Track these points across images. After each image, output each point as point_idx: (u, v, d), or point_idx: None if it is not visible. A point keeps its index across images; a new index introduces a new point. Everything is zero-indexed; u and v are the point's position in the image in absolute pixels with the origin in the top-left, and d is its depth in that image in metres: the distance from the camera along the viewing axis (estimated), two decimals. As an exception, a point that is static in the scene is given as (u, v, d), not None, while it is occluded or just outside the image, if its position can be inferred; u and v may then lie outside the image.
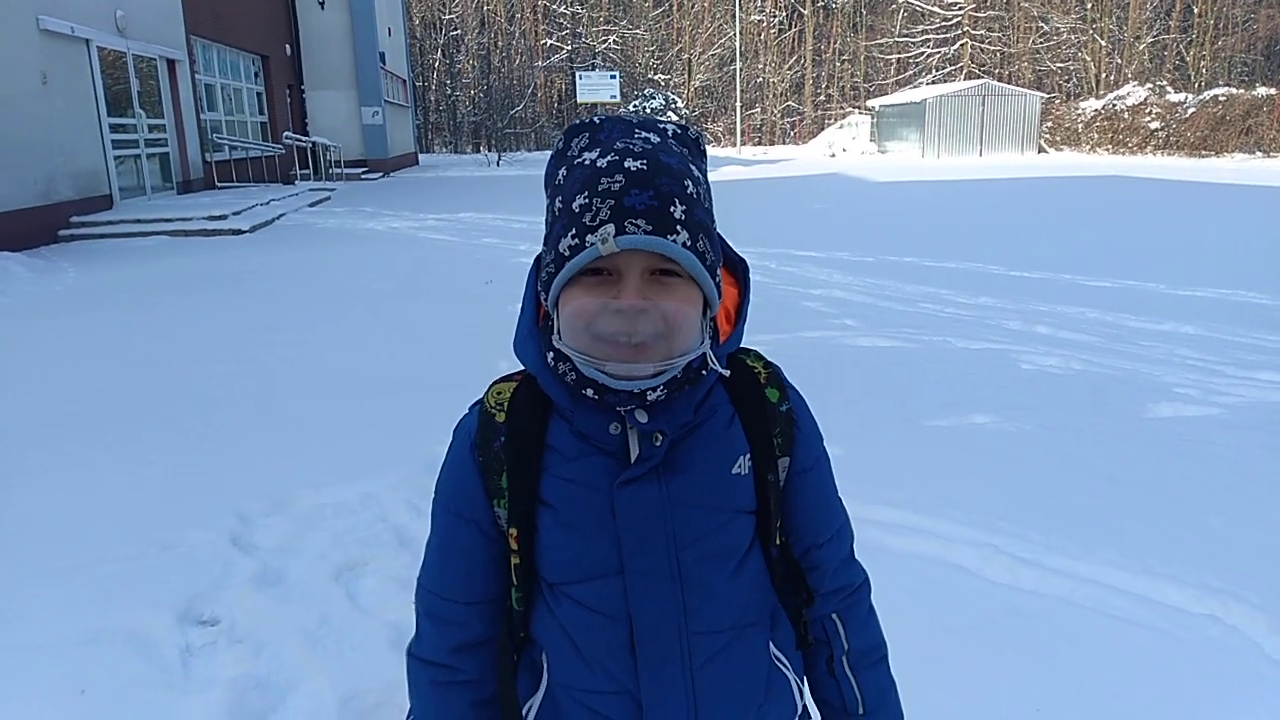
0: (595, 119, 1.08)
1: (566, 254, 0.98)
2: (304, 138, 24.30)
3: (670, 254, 0.96)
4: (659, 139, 1.05)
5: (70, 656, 2.70)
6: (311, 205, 17.86)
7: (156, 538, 3.45)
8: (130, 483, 4.02)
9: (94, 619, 2.89)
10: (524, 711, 1.16)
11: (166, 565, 3.25)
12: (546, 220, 1.07)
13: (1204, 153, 31.37)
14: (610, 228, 0.95)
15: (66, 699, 2.52)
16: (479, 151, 49.38)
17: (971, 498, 3.71)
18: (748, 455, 1.10)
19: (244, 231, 13.47)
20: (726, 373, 1.08)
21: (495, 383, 1.15)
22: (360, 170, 27.10)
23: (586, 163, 1.01)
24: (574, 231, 0.97)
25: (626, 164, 0.98)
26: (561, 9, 55.41)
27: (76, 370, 5.93)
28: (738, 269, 1.14)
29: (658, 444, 1.04)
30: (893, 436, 4.46)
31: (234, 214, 14.07)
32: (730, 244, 1.13)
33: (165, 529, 3.52)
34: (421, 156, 41.40)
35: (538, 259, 1.08)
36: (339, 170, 25.20)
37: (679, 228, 0.97)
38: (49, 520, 3.64)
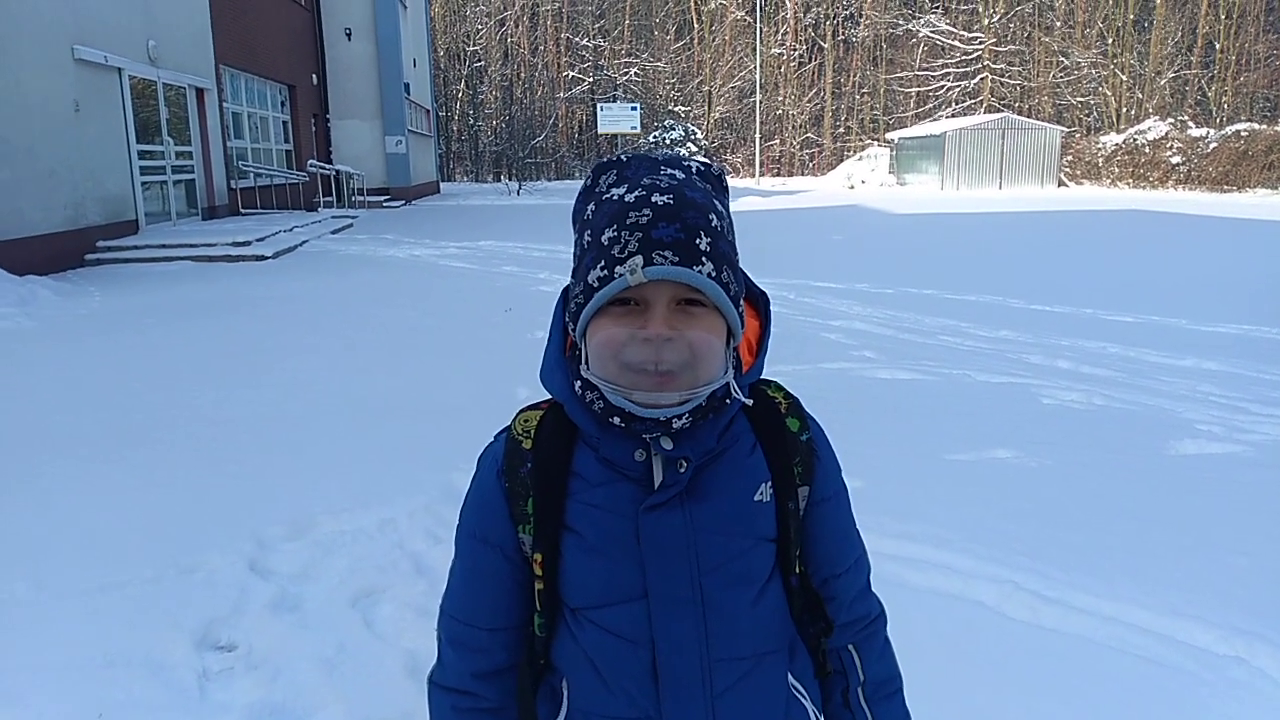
0: (623, 157, 1.12)
1: (595, 285, 1.01)
2: (328, 165, 24.61)
3: (696, 284, 1.00)
4: (684, 175, 1.09)
5: (88, 679, 2.71)
6: (334, 232, 18.04)
7: (176, 561, 3.46)
8: (151, 505, 4.05)
9: (113, 641, 2.90)
10: None
11: (185, 589, 3.27)
12: (575, 254, 1.10)
13: (1226, 188, 31.23)
14: (639, 259, 0.98)
15: (84, 722, 2.53)
16: (500, 180, 49.80)
17: (992, 533, 3.68)
18: (769, 483, 1.13)
19: (267, 258, 13.62)
20: (749, 402, 1.10)
21: (522, 411, 1.17)
22: (383, 198, 27.40)
23: (615, 198, 1.05)
24: (603, 263, 1.01)
25: (654, 199, 1.02)
26: (584, 41, 56.07)
27: (100, 392, 5.99)
28: (759, 302, 1.17)
29: (682, 470, 1.07)
30: (912, 470, 4.43)
31: (257, 240, 14.23)
32: (750, 276, 1.15)
33: (185, 552, 3.53)
34: (443, 185, 41.82)
35: (565, 291, 1.11)
36: (362, 198, 25.48)
37: (704, 259, 1.00)
38: (70, 541, 3.67)
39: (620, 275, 0.99)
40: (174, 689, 2.69)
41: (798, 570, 1.17)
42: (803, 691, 1.17)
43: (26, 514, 3.97)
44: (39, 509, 4.03)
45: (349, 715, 2.55)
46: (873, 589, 1.27)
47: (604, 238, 1.02)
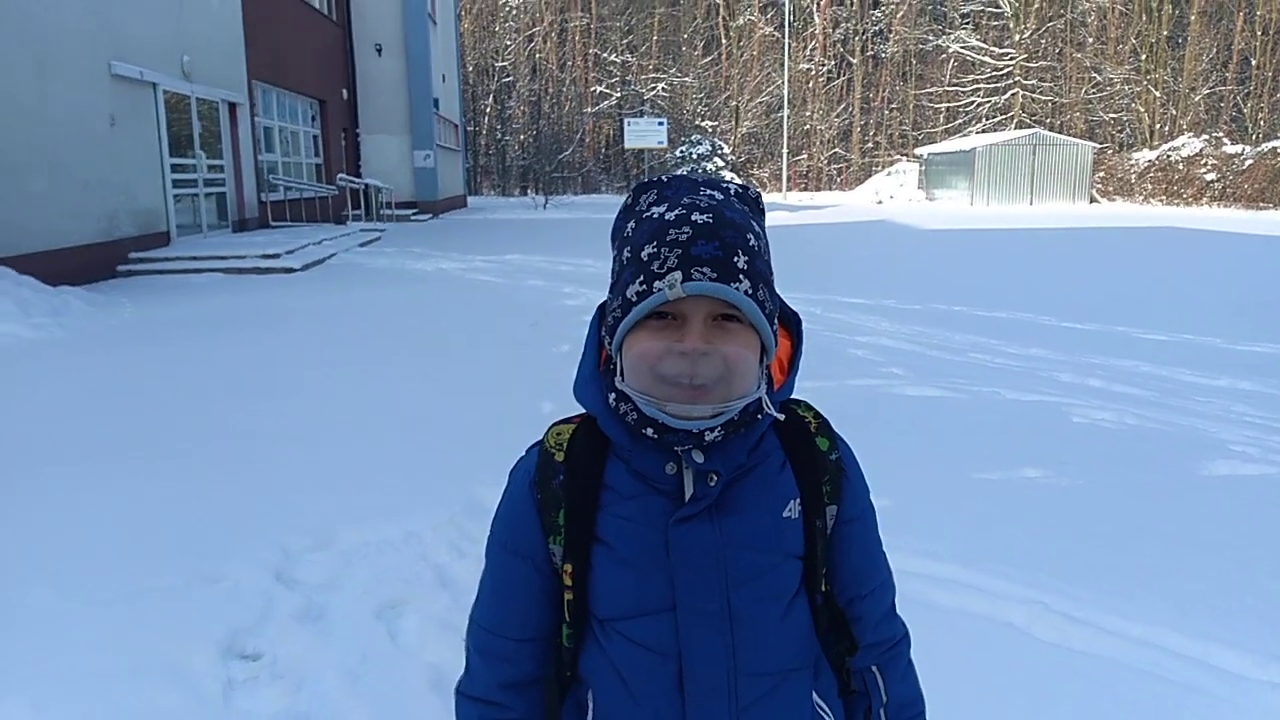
0: (663, 178, 1.15)
1: (634, 299, 1.04)
2: (357, 179, 24.86)
3: (733, 300, 1.02)
4: (723, 196, 1.12)
5: (114, 688, 2.73)
6: (362, 245, 18.21)
7: (201, 570, 3.49)
8: (177, 514, 4.08)
9: (137, 650, 2.92)
10: None
11: (210, 598, 3.28)
12: (613, 269, 1.13)
13: (1262, 205, 30.82)
14: (678, 274, 1.01)
15: (109, 730, 2.54)
16: (526, 194, 50.12)
17: (1021, 553, 3.63)
18: (798, 500, 1.14)
19: (296, 270, 13.76)
20: (781, 417, 1.12)
21: (554, 424, 1.20)
22: (410, 211, 27.63)
23: (655, 216, 1.08)
24: (642, 278, 1.03)
25: (694, 217, 1.05)
26: (612, 57, 56.38)
27: (129, 402, 6.07)
28: (791, 322, 1.19)
29: (712, 484, 1.09)
30: (941, 489, 4.38)
31: (286, 253, 14.38)
32: (783, 296, 1.16)
33: (210, 561, 3.56)
34: (470, 199, 42.13)
35: (601, 307, 1.14)
36: (390, 211, 25.72)
37: (741, 276, 1.02)
38: (96, 549, 3.70)
39: (659, 289, 1.01)
40: (198, 698, 2.70)
41: (824, 589, 1.18)
42: (826, 710, 1.18)
43: (52, 522, 4.02)
44: (66, 517, 4.07)
45: (371, 727, 2.55)
46: (898, 612, 1.28)
47: (644, 253, 1.04)
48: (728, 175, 41.64)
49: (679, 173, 1.21)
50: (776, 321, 1.11)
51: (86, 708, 2.64)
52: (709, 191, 1.11)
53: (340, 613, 3.20)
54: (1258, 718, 2.59)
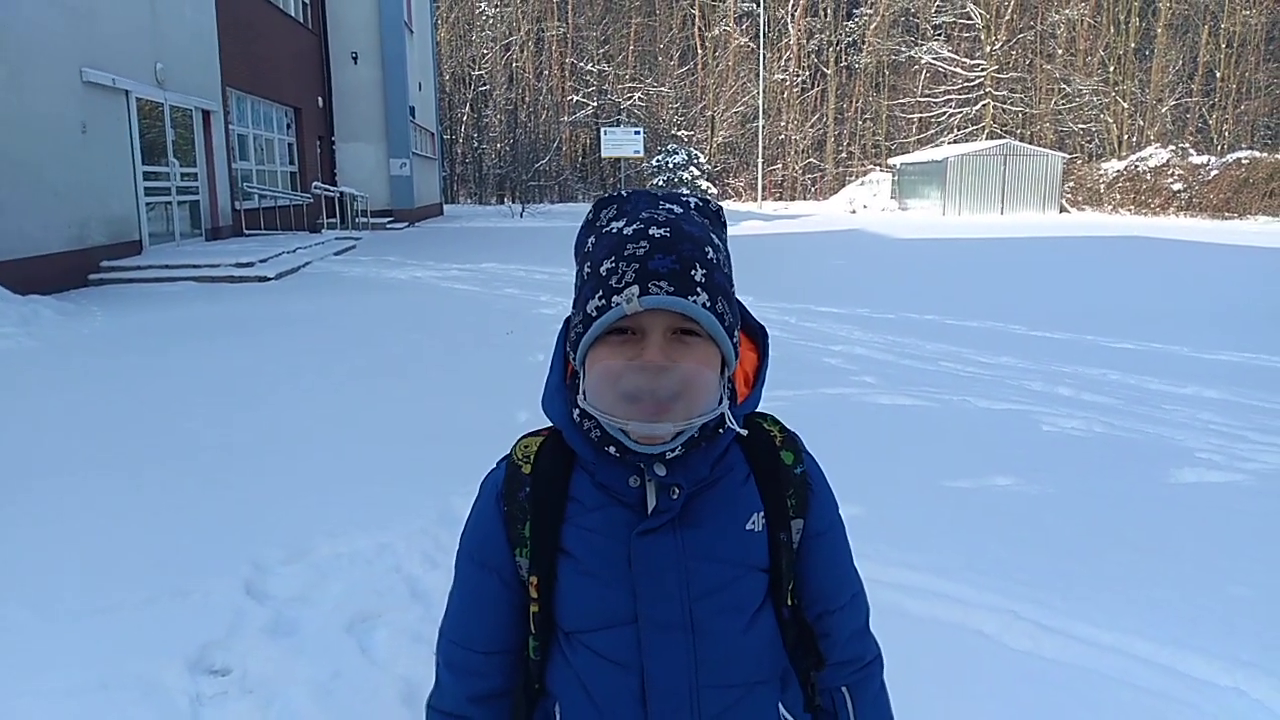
0: (623, 192, 1.16)
1: (594, 314, 1.04)
2: (332, 188, 24.74)
3: (690, 314, 1.02)
4: (682, 210, 1.12)
5: (83, 702, 2.70)
6: (337, 254, 18.10)
7: (172, 584, 3.45)
8: (148, 527, 4.04)
9: (107, 665, 2.89)
10: None
11: (181, 612, 3.25)
12: (576, 285, 1.13)
13: (1227, 215, 31.32)
14: (635, 289, 1.01)
15: (76, 747, 2.51)
16: (503, 203, 50.03)
17: (992, 561, 3.66)
18: (761, 513, 1.14)
19: (270, 279, 13.66)
20: (743, 432, 1.12)
21: (523, 437, 1.20)
22: (386, 220, 27.51)
23: (614, 231, 1.08)
24: (601, 293, 1.04)
25: (651, 231, 1.05)
26: (588, 66, 56.47)
27: (99, 413, 6.00)
28: (757, 335, 1.19)
29: (674, 497, 1.09)
30: (912, 497, 4.42)
31: (260, 261, 14.28)
32: (750, 305, 1.17)
33: (181, 575, 3.52)
34: (447, 207, 42.00)
35: (567, 321, 1.14)
36: (365, 219, 25.59)
37: (699, 290, 1.03)
38: (66, 563, 3.66)
39: (617, 304, 1.01)
40: (167, 713, 2.67)
41: (790, 602, 1.17)
42: None
43: (21, 536, 3.96)
44: (35, 531, 4.02)
45: (343, 742, 2.53)
46: (871, 631, 1.27)
47: (602, 269, 1.05)
48: (703, 184, 41.87)
49: (644, 187, 1.21)
50: (739, 334, 1.12)
51: (53, 725, 2.60)
52: (668, 205, 1.11)
53: (312, 626, 3.18)
54: (1223, 723, 2.62)
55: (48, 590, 3.41)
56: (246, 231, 19.34)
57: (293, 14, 24.11)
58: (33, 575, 3.56)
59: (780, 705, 1.16)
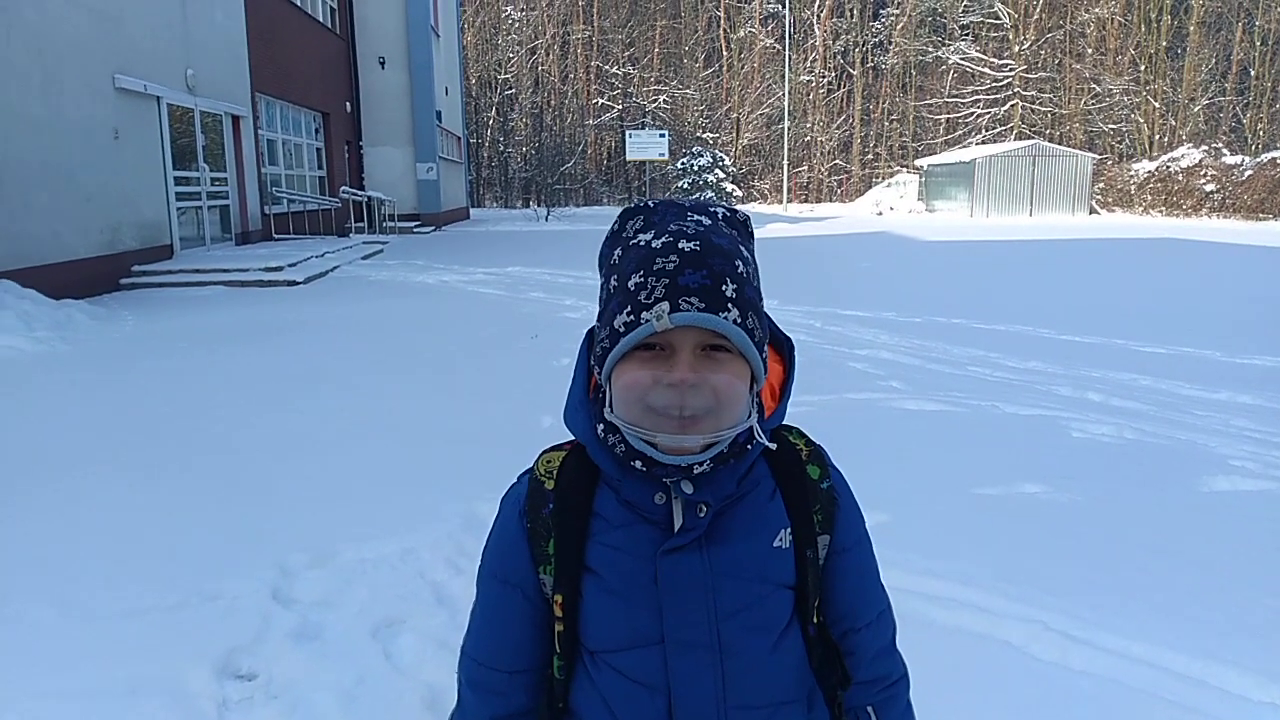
0: (649, 203, 1.13)
1: (622, 330, 1.02)
2: (360, 192, 24.92)
3: (722, 331, 1.00)
4: (710, 222, 1.10)
5: (110, 706, 2.72)
6: (365, 258, 18.23)
7: (200, 587, 3.48)
8: (177, 531, 4.08)
9: (135, 668, 2.92)
10: None
11: (208, 616, 3.28)
12: (600, 298, 1.11)
13: (1261, 216, 30.83)
14: (665, 305, 0.99)
15: (105, 750, 2.54)
16: (529, 207, 50.21)
17: (1020, 571, 3.61)
18: (788, 530, 1.12)
19: (299, 283, 13.79)
20: (773, 446, 1.10)
21: (545, 452, 1.18)
22: (413, 224, 27.69)
23: (641, 243, 1.06)
24: (629, 308, 1.02)
25: (680, 245, 1.03)
26: (614, 69, 56.58)
27: (130, 417, 6.07)
28: (783, 347, 1.18)
29: (701, 515, 1.07)
30: (939, 505, 4.37)
31: (289, 265, 14.41)
32: (776, 314, 1.15)
33: (209, 579, 3.55)
34: (473, 211, 42.23)
35: (590, 332, 1.13)
36: (392, 224, 25.78)
37: (730, 305, 1.01)
38: (95, 566, 3.70)
39: (646, 321, 1.00)
40: (193, 717, 2.69)
41: (816, 620, 1.16)
42: None
43: (53, 536, 4.02)
44: (66, 532, 4.07)
45: (366, 748, 2.54)
46: (898, 649, 1.25)
47: (630, 283, 1.03)
48: (728, 187, 41.75)
49: (669, 190, 1.19)
50: (767, 347, 1.10)
51: (82, 728, 2.63)
52: (696, 217, 1.09)
53: (337, 632, 3.19)
54: (1257, 738, 2.57)
55: (75, 591, 3.45)
56: (276, 236, 19.54)
57: (321, 19, 24.34)
58: (60, 576, 3.60)
59: None
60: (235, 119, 17.87)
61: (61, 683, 2.85)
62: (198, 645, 3.06)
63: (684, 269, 1.01)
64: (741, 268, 1.05)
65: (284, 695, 2.81)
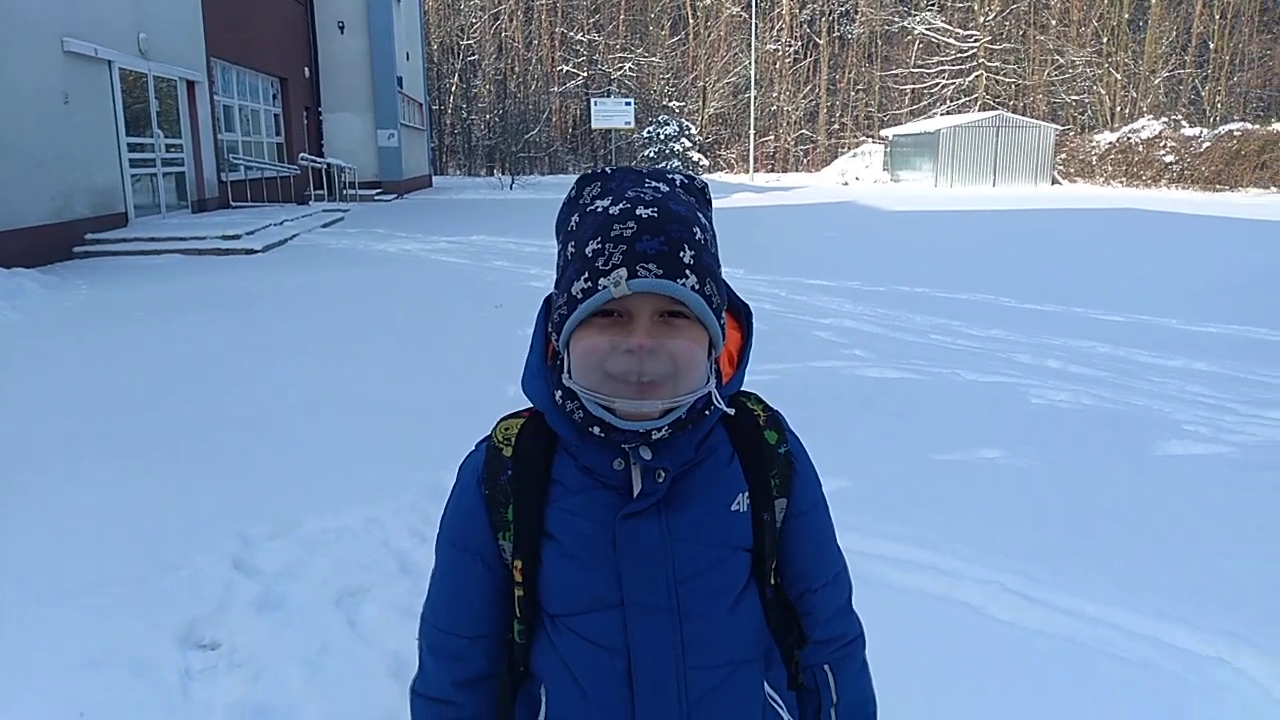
0: (607, 169, 1.13)
1: (579, 296, 1.02)
2: (319, 159, 24.53)
3: (680, 297, 1.00)
4: (668, 188, 1.09)
5: (71, 678, 2.70)
6: (325, 226, 17.98)
7: (160, 559, 3.44)
8: (135, 502, 4.03)
9: (95, 641, 2.89)
10: None
11: (168, 587, 3.25)
12: (558, 264, 1.11)
13: (1218, 187, 31.34)
14: (623, 271, 0.99)
15: (64, 721, 2.51)
16: (493, 174, 49.74)
17: (978, 533, 3.68)
18: (746, 494, 1.13)
19: (257, 251, 13.57)
20: (730, 411, 1.11)
21: (503, 419, 1.18)
22: (374, 191, 27.33)
23: (599, 210, 1.05)
24: (586, 275, 1.01)
25: (638, 211, 1.03)
26: (578, 36, 55.97)
27: (84, 388, 5.96)
28: (741, 314, 1.18)
29: (660, 480, 1.08)
30: (900, 469, 4.43)
31: (247, 234, 14.17)
32: (738, 280, 1.15)
33: (168, 550, 3.51)
34: (435, 179, 41.72)
35: (547, 300, 1.12)
36: (353, 191, 25.41)
37: (688, 272, 1.01)
38: (52, 540, 3.65)
39: (604, 287, 0.99)
40: (156, 688, 2.68)
41: (773, 582, 1.17)
42: (779, 701, 1.17)
43: (9, 512, 3.95)
44: (21, 507, 4.00)
45: (331, 715, 2.54)
46: (854, 609, 1.27)
47: (588, 250, 1.02)
48: (694, 156, 41.55)
49: (635, 159, 1.19)
50: (725, 314, 1.10)
51: (45, 700, 2.61)
52: (654, 184, 1.09)
53: (300, 601, 3.18)
54: (1206, 692, 2.65)
55: (33, 567, 3.40)
56: (233, 204, 19.19)
57: (278, -18, 23.79)
58: (16, 552, 3.54)
59: (765, 684, 1.16)
60: (190, 84, 17.46)
61: (23, 657, 2.81)
62: (158, 616, 3.03)
63: (641, 235, 1.00)
64: (699, 234, 1.04)
65: (247, 664, 2.79)
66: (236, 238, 13.77)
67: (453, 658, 1.17)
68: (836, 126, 58.05)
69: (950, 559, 3.45)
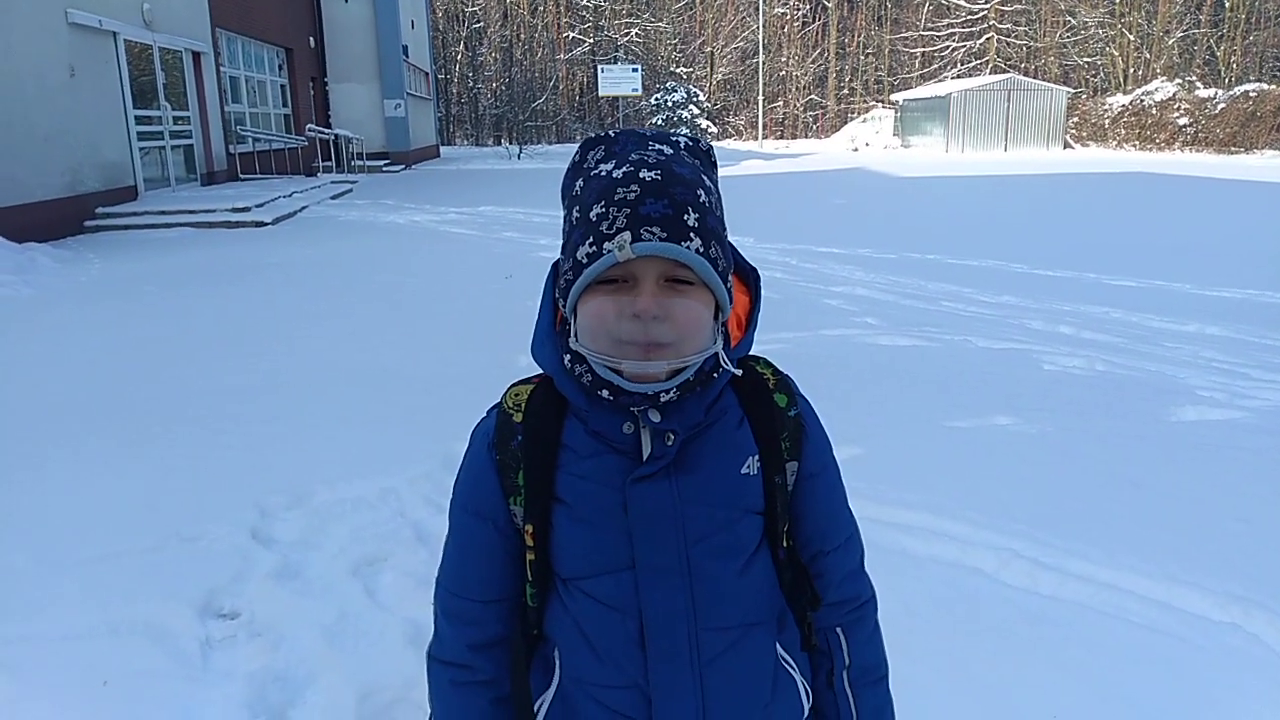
0: (610, 133, 1.12)
1: (584, 261, 1.01)
2: (327, 130, 24.44)
3: (684, 260, 1.00)
4: (672, 151, 1.09)
5: (93, 648, 2.74)
6: (334, 197, 17.95)
7: (178, 530, 3.48)
8: (152, 474, 4.06)
9: (116, 611, 2.92)
10: (536, 707, 1.18)
11: (187, 558, 3.28)
12: (564, 230, 1.10)
13: (1233, 149, 30.98)
14: (627, 235, 0.98)
15: (89, 690, 2.55)
16: (500, 144, 49.48)
17: (991, 500, 3.68)
18: (756, 456, 1.13)
19: (266, 224, 13.57)
20: (738, 372, 1.11)
21: (513, 385, 1.18)
22: (382, 162, 27.24)
23: (603, 174, 1.05)
24: (591, 239, 1.01)
25: (642, 174, 1.02)
26: (585, 2, 55.37)
27: (100, 361, 6.00)
28: (749, 277, 1.18)
29: (669, 443, 1.08)
30: (912, 437, 4.43)
31: (257, 206, 14.17)
32: (745, 247, 1.15)
33: (186, 521, 3.55)
34: (443, 149, 41.56)
35: (555, 265, 1.12)
36: (361, 162, 25.33)
37: (692, 235, 1.00)
38: (72, 512, 3.69)
39: (609, 251, 0.99)
40: (177, 657, 2.71)
41: (785, 544, 1.18)
42: (791, 662, 1.19)
43: (25, 485, 3.99)
44: (38, 480, 4.04)
45: (350, 683, 2.58)
46: (866, 572, 1.27)
47: (592, 214, 1.02)
48: (703, 123, 41.21)
49: (642, 126, 1.18)
50: (732, 277, 1.10)
51: (69, 668, 2.64)
52: (657, 146, 1.08)
53: (317, 570, 3.21)
54: (1217, 657, 2.66)
55: (51, 539, 3.44)
56: (242, 176, 19.16)
57: (281, -49, 23.58)
58: (35, 524, 3.58)
59: (778, 645, 1.17)
60: (196, 55, 17.37)
61: (40, 627, 2.85)
62: (177, 586, 3.07)
63: (645, 198, 1.00)
64: (704, 197, 1.04)
65: (267, 633, 2.83)
66: (246, 210, 13.76)
67: (467, 622, 1.18)
68: (846, 91, 57.46)
69: (963, 525, 3.46)
